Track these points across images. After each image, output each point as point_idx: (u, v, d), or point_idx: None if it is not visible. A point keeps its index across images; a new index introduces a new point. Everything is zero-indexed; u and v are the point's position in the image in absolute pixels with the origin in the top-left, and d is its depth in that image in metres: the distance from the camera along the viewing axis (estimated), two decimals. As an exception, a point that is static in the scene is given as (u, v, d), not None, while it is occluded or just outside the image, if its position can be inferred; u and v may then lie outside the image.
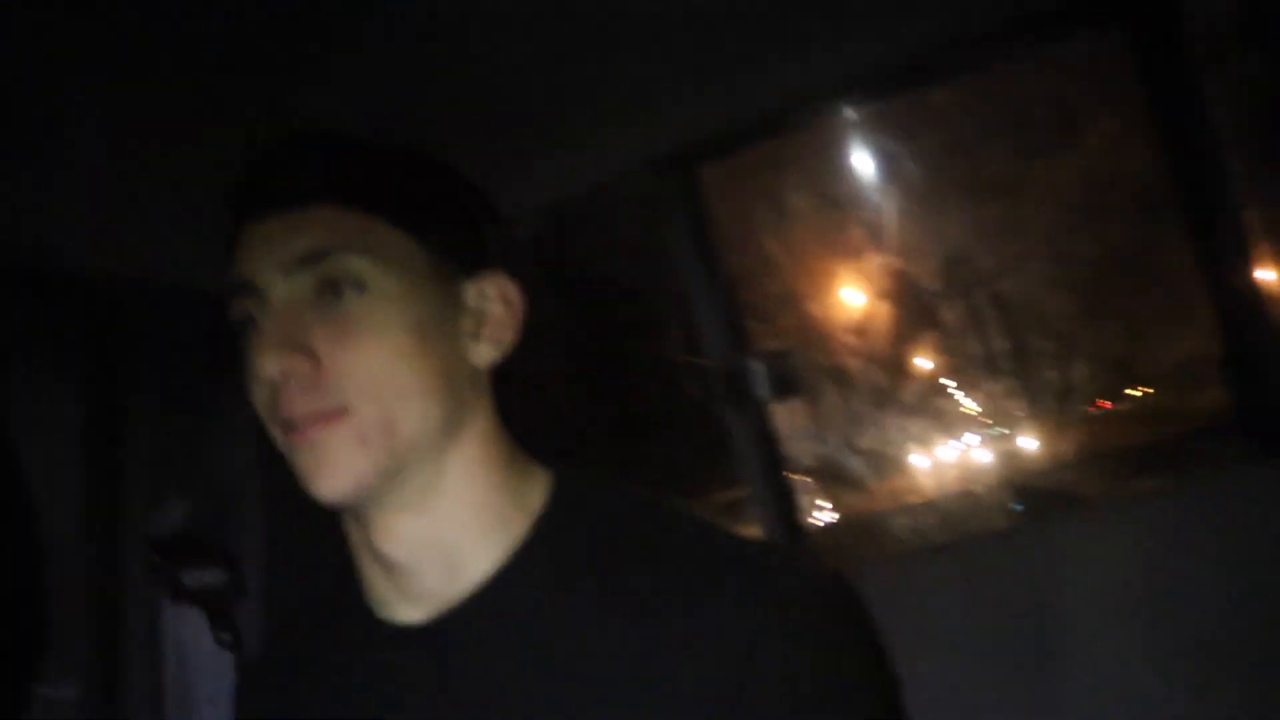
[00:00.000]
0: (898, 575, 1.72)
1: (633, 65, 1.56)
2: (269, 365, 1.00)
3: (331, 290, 1.03)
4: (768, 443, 2.04)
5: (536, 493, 1.11)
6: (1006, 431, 4.99)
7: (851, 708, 1.00)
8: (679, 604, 1.00)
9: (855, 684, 1.01)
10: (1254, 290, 1.81)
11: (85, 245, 1.50)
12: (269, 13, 1.20)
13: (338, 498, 1.02)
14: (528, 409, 1.16)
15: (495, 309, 1.12)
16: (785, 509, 2.04)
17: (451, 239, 1.11)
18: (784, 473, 2.08)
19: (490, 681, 1.02)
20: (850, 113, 2.38)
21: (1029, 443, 4.99)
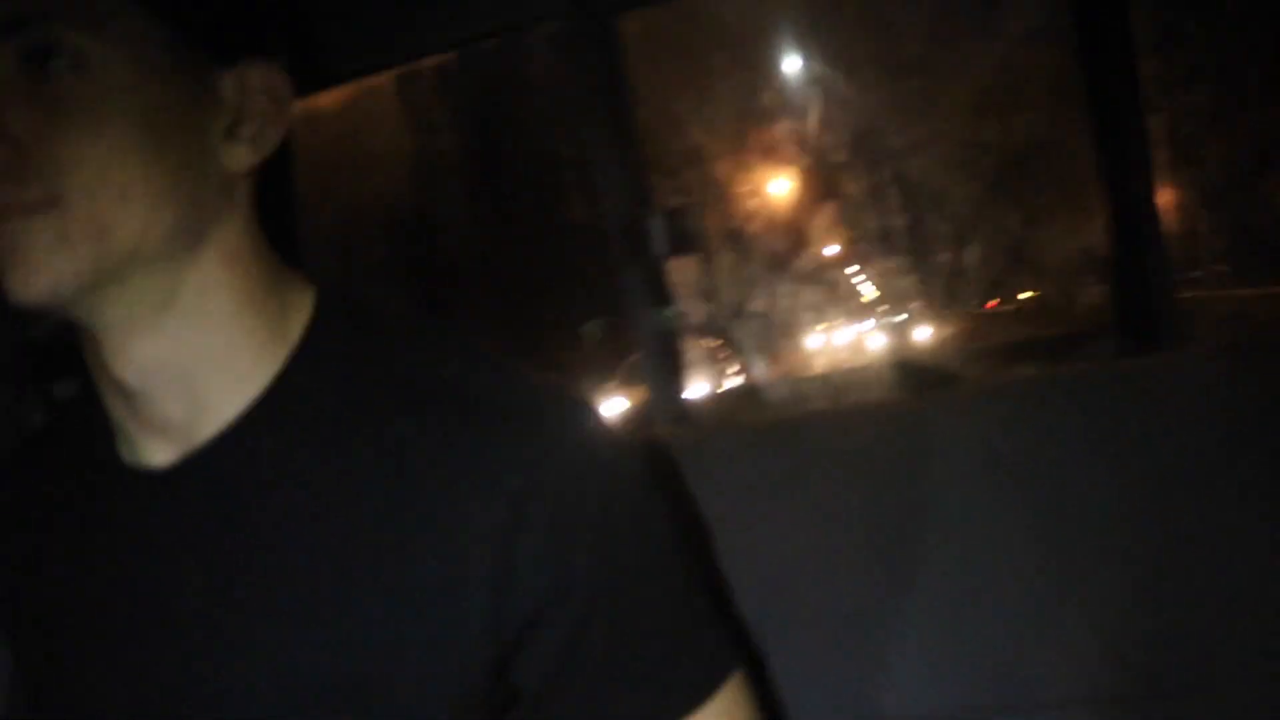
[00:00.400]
0: (775, 440, 1.74)
1: None
2: None
3: (40, 64, 0.89)
4: (661, 301, 2.04)
5: (297, 320, 1.01)
6: (900, 318, 5.10)
7: (617, 582, 0.96)
8: (439, 458, 0.93)
9: (625, 557, 0.97)
10: (1147, 194, 1.84)
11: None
12: None
13: (32, 299, 0.89)
14: (416, 254, 1.08)
15: (257, 104, 0.98)
16: (673, 369, 2.05)
17: (204, 17, 0.96)
18: (674, 335, 2.09)
19: (235, 538, 0.95)
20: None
21: (920, 330, 5.11)
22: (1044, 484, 1.65)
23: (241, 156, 0.98)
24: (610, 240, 1.99)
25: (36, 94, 0.89)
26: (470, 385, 0.96)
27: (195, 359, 0.96)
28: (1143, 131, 1.84)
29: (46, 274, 0.88)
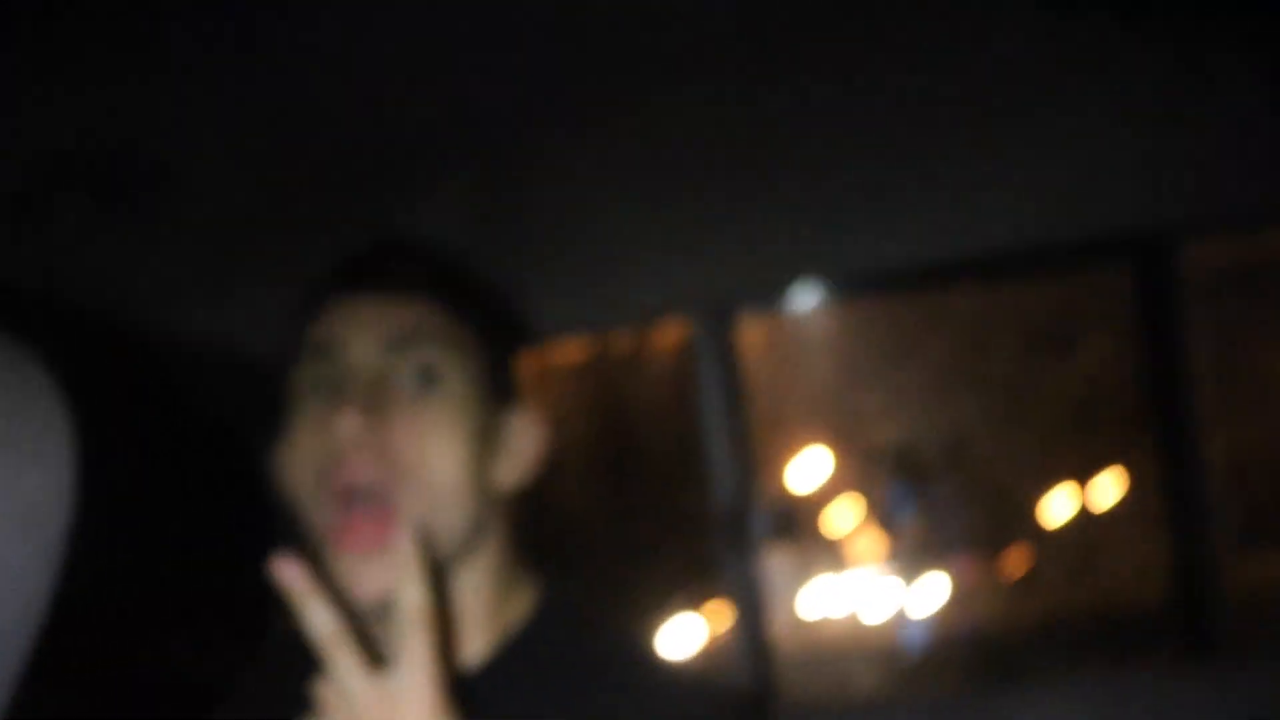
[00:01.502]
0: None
1: (686, 214, 1.69)
2: (351, 422, 0.98)
3: (419, 375, 1.03)
4: (756, 582, 2.11)
5: (517, 606, 1.11)
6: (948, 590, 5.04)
7: None
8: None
9: None
10: (1201, 504, 1.92)
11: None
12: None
13: (376, 604, 0.98)
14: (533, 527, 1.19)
15: (527, 438, 1.12)
16: (764, 648, 2.10)
17: (506, 362, 1.14)
18: (766, 613, 2.14)
19: None
20: (872, 297, 2.52)
21: (970, 602, 5.04)
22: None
23: (511, 478, 1.11)
24: (714, 527, 2.09)
25: (408, 397, 1.04)
26: (659, 684, 1.08)
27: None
28: (1196, 447, 1.92)
29: (391, 584, 0.95)
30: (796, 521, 2.14)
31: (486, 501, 1.08)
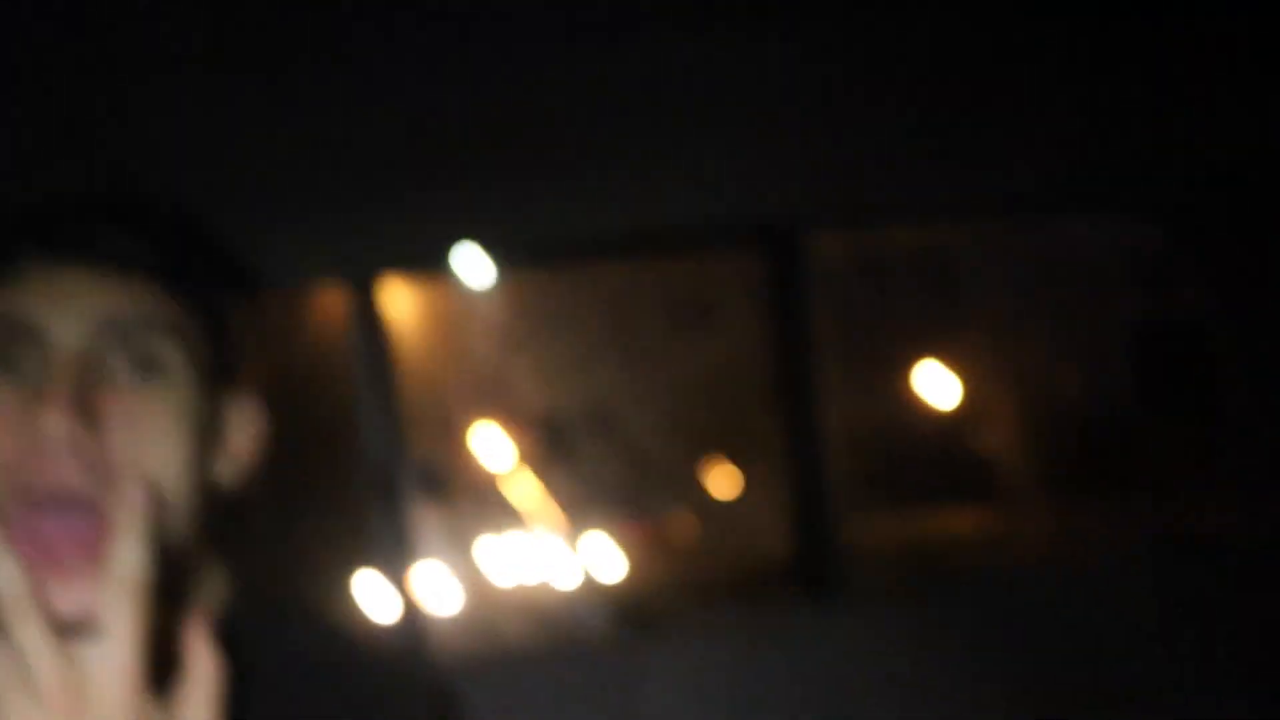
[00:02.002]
0: (496, 678, 1.79)
1: (342, 178, 1.61)
2: (57, 424, 0.82)
3: (137, 365, 0.88)
4: (405, 537, 2.08)
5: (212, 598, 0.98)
6: (598, 549, 5.24)
7: None
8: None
9: None
10: (816, 459, 2.09)
11: None
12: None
13: (77, 622, 0.80)
14: None
15: (246, 429, 0.98)
16: (411, 599, 2.08)
17: (230, 343, 0.97)
18: (413, 565, 2.12)
19: None
20: (527, 269, 2.53)
21: (620, 562, 5.27)
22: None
23: (228, 474, 0.96)
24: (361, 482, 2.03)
25: (123, 391, 0.86)
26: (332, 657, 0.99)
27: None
28: (814, 413, 2.09)
29: (87, 595, 0.79)
30: (444, 480, 2.12)
31: (203, 503, 0.92)
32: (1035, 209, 2.12)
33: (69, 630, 0.80)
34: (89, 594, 0.79)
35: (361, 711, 0.97)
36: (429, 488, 1.93)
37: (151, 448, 0.87)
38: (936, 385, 6.15)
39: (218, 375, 0.93)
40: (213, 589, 0.96)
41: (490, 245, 1.93)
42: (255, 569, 1.06)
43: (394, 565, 2.06)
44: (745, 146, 1.88)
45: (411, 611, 2.05)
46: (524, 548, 5.52)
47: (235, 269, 0.99)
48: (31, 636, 0.77)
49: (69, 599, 0.80)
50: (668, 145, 1.85)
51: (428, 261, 2.01)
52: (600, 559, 5.49)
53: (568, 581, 5.46)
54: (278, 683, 0.96)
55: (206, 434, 0.91)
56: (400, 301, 2.11)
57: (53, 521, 0.83)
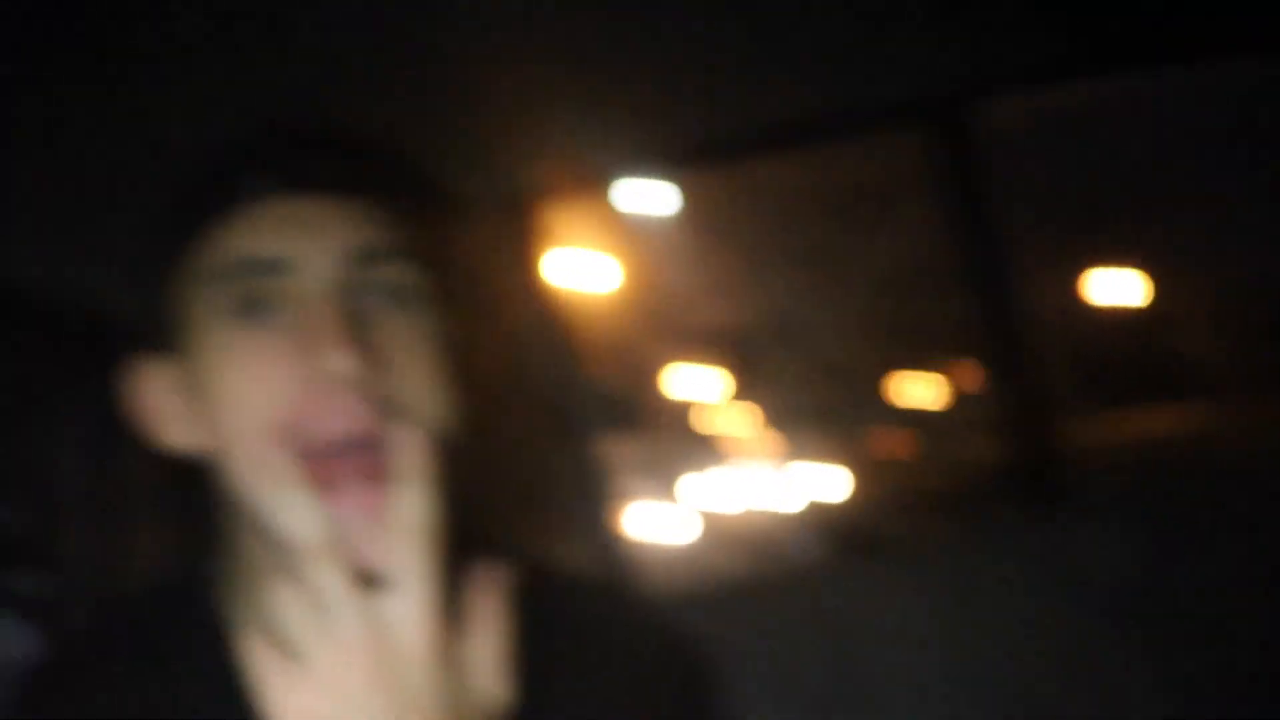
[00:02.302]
0: (705, 613, 1.74)
1: (472, 114, 1.56)
2: (342, 360, 0.79)
3: (391, 295, 0.86)
4: (597, 475, 2.05)
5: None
6: (813, 473, 5.16)
7: None
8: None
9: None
10: (1018, 354, 1.94)
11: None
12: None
13: (373, 572, 0.81)
14: None
15: (481, 361, 0.99)
16: (610, 540, 2.05)
17: (454, 274, 0.97)
18: (610, 505, 2.09)
19: None
20: (685, 174, 2.44)
21: (833, 485, 5.19)
22: (961, 646, 1.67)
23: (467, 403, 0.92)
24: (541, 420, 2.01)
25: (388, 322, 0.86)
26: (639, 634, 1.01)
27: None
28: (1012, 306, 1.93)
29: (382, 550, 0.81)
30: (634, 412, 2.07)
31: (462, 435, 0.91)
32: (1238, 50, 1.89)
33: (367, 581, 0.79)
34: (378, 547, 0.79)
35: (634, 674, 0.96)
36: (618, 421, 1.90)
37: (422, 384, 0.85)
38: (1130, 277, 5.74)
39: (449, 304, 0.91)
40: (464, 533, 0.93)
41: (654, 155, 1.86)
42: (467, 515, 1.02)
43: (589, 504, 2.04)
44: (903, 14, 1.72)
45: (618, 550, 2.03)
46: (725, 476, 5.49)
47: (443, 194, 0.99)
48: (333, 585, 0.77)
49: (364, 551, 0.79)
50: (818, 25, 1.71)
51: (594, 179, 1.96)
52: (805, 482, 5.41)
53: (777, 508, 5.42)
54: (556, 643, 0.94)
55: (460, 365, 0.90)
56: (569, 227, 2.06)
57: (341, 466, 0.81)
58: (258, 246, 0.86)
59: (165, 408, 0.91)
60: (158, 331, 0.90)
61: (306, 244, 0.85)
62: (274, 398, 0.83)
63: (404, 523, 0.79)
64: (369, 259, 0.86)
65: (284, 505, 0.79)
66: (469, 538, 0.91)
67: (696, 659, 1.02)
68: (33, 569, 1.60)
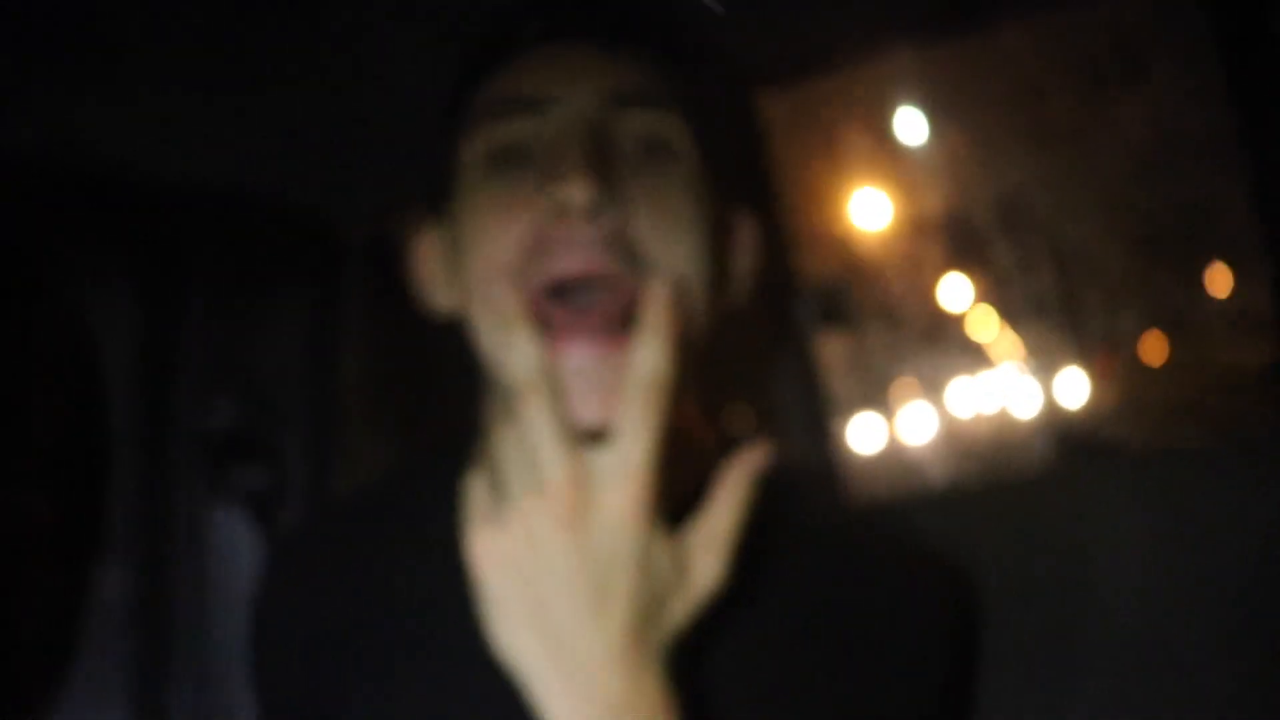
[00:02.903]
0: (932, 517, 1.70)
1: None
2: (582, 191, 0.80)
3: (648, 144, 0.86)
4: (813, 373, 2.01)
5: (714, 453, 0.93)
6: (1049, 376, 4.96)
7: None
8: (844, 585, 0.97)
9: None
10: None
11: (150, 153, 1.49)
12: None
13: (599, 428, 0.80)
14: None
15: (747, 250, 0.97)
16: (828, 444, 2.02)
17: (729, 155, 0.97)
18: (826, 405, 2.06)
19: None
20: (912, 51, 2.32)
21: (1073, 388, 4.97)
22: (1208, 563, 1.57)
23: (738, 290, 0.96)
24: (758, 319, 1.98)
25: (641, 171, 0.87)
26: (882, 546, 1.02)
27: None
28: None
29: (616, 399, 0.80)
30: (850, 303, 2.00)
31: (717, 317, 0.91)
32: None
33: (586, 435, 0.79)
34: (613, 396, 0.79)
35: (879, 596, 0.96)
36: (833, 316, 1.86)
37: (675, 236, 0.84)
38: None
39: (722, 175, 0.91)
40: (710, 419, 0.95)
41: (873, 24, 1.76)
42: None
43: (802, 400, 2.00)
44: None
45: (830, 451, 2.00)
46: (951, 377, 5.33)
47: (723, 67, 1.01)
48: (542, 426, 0.77)
49: (591, 396, 0.80)
50: None
51: (812, 62, 1.84)
52: (1046, 385, 5.21)
53: (1015, 413, 5.25)
54: (791, 541, 0.95)
55: (717, 236, 0.88)
56: (777, 110, 2.00)
57: (572, 309, 0.82)
58: (520, 86, 0.88)
59: (434, 269, 0.95)
60: (436, 195, 0.93)
61: (565, 84, 0.86)
62: (513, 235, 0.84)
63: (635, 376, 0.77)
64: (626, 102, 0.86)
65: (506, 344, 0.79)
66: (711, 413, 0.92)
67: (954, 594, 1.00)
68: (259, 465, 1.69)
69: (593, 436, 0.79)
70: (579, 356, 0.82)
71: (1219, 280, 4.71)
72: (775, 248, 1.95)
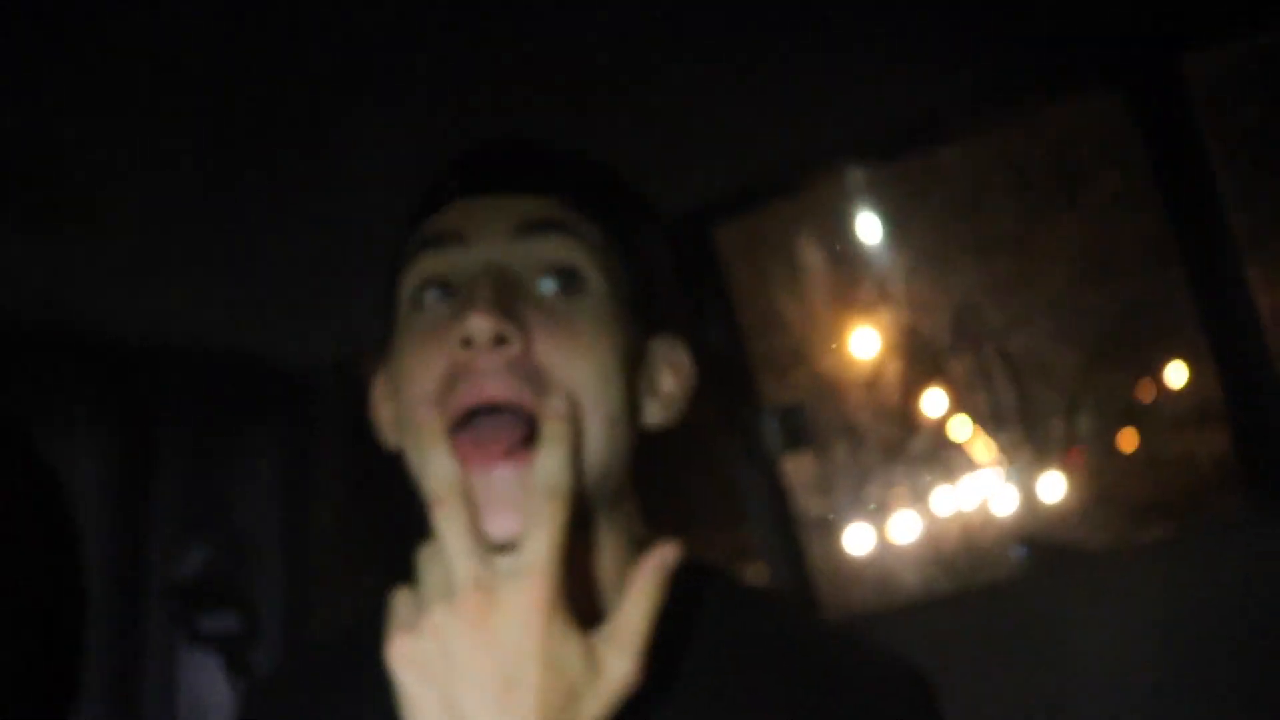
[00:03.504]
0: (906, 627, 1.71)
1: (654, 129, 1.58)
2: (482, 324, 0.85)
3: (555, 277, 0.91)
4: (778, 494, 2.03)
5: None
6: (1012, 483, 5.00)
7: None
8: (781, 693, 0.95)
9: None
10: (1258, 345, 1.81)
11: (119, 312, 1.52)
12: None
13: (508, 540, 0.83)
14: None
15: (670, 374, 0.99)
16: (795, 561, 2.03)
17: (650, 281, 1.00)
18: (793, 524, 2.08)
19: None
20: (859, 173, 2.40)
21: (1038, 492, 5.01)
22: (1181, 658, 1.59)
23: (657, 415, 0.98)
24: (721, 440, 2.01)
25: (545, 303, 0.91)
26: (828, 645, 1.01)
27: (575, 594, 0.87)
28: (1242, 281, 1.82)
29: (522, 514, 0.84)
30: (809, 423, 2.03)
31: (631, 441, 0.94)
32: None
33: (500, 548, 0.83)
34: (519, 511, 0.83)
35: (804, 687, 0.95)
36: (795, 438, 1.88)
37: (576, 360, 0.89)
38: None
39: (640, 307, 0.96)
40: (629, 531, 0.97)
41: (822, 150, 1.84)
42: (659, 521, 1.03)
43: (768, 520, 2.02)
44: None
45: (800, 568, 2.01)
46: (933, 486, 5.35)
47: (644, 204, 1.04)
48: (454, 536, 0.81)
49: (500, 509, 0.84)
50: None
51: (763, 189, 1.95)
52: (1014, 488, 5.24)
53: (986, 516, 5.26)
54: (710, 638, 0.96)
55: (630, 363, 0.94)
56: (736, 237, 2.07)
57: (480, 431, 0.87)
58: (440, 225, 0.95)
59: (384, 405, 0.99)
60: (383, 334, 0.99)
61: (480, 223, 0.94)
62: (432, 367, 0.89)
63: (536, 485, 0.83)
64: (533, 232, 0.92)
65: (425, 463, 0.85)
66: (639, 529, 0.96)
67: (909, 698, 0.99)
68: (231, 611, 1.68)
69: (506, 549, 0.84)
70: (488, 474, 0.86)
71: (1173, 376, 4.80)
72: (733, 373, 2.00)
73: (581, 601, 0.85)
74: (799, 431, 2.02)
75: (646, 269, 1.00)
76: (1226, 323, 1.84)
